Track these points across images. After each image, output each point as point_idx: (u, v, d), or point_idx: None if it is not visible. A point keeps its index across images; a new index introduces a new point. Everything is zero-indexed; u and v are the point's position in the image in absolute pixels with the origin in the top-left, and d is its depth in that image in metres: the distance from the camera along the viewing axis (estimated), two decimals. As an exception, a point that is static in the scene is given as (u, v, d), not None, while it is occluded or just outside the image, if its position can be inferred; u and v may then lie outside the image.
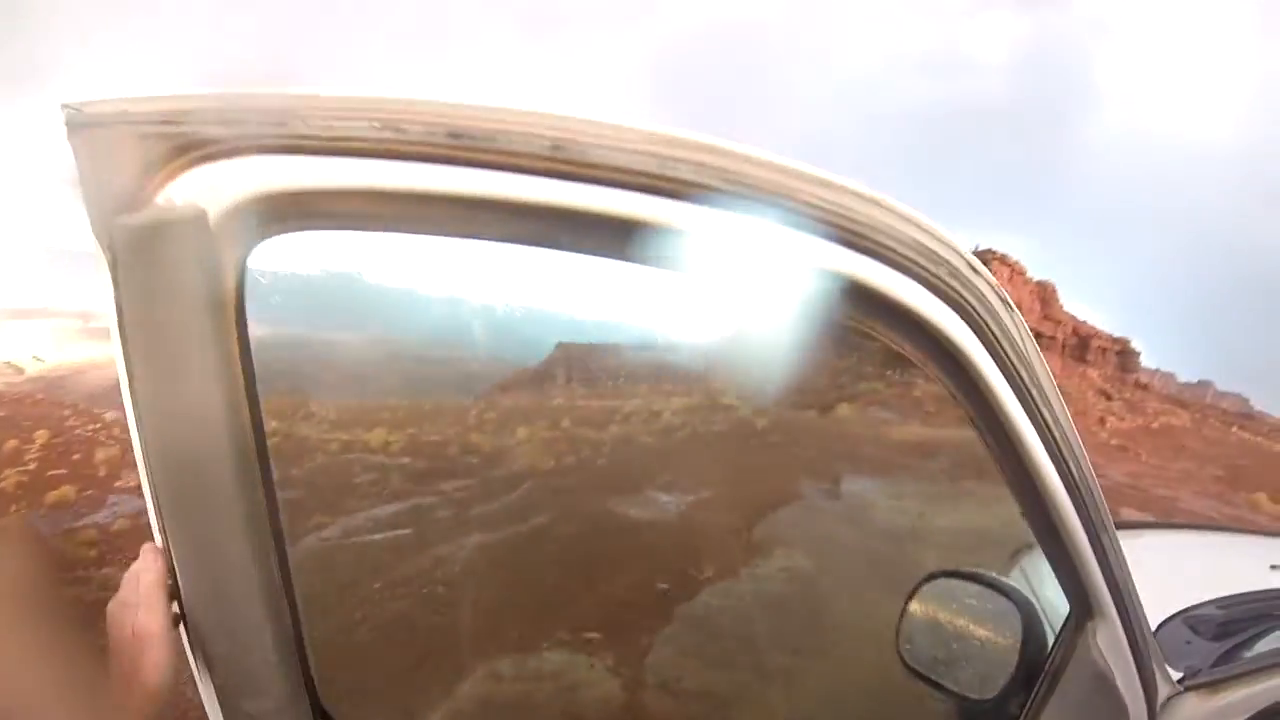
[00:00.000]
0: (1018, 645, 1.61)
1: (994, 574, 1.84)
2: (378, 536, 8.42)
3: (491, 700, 5.48)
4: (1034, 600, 1.69)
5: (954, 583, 1.79)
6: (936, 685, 1.85)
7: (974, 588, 1.75)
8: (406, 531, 8.98)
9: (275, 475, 1.46)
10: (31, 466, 23.71)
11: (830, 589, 7.27)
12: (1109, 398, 60.79)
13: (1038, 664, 1.63)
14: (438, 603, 6.94)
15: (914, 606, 1.81)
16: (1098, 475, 1.56)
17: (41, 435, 26.37)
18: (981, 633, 1.69)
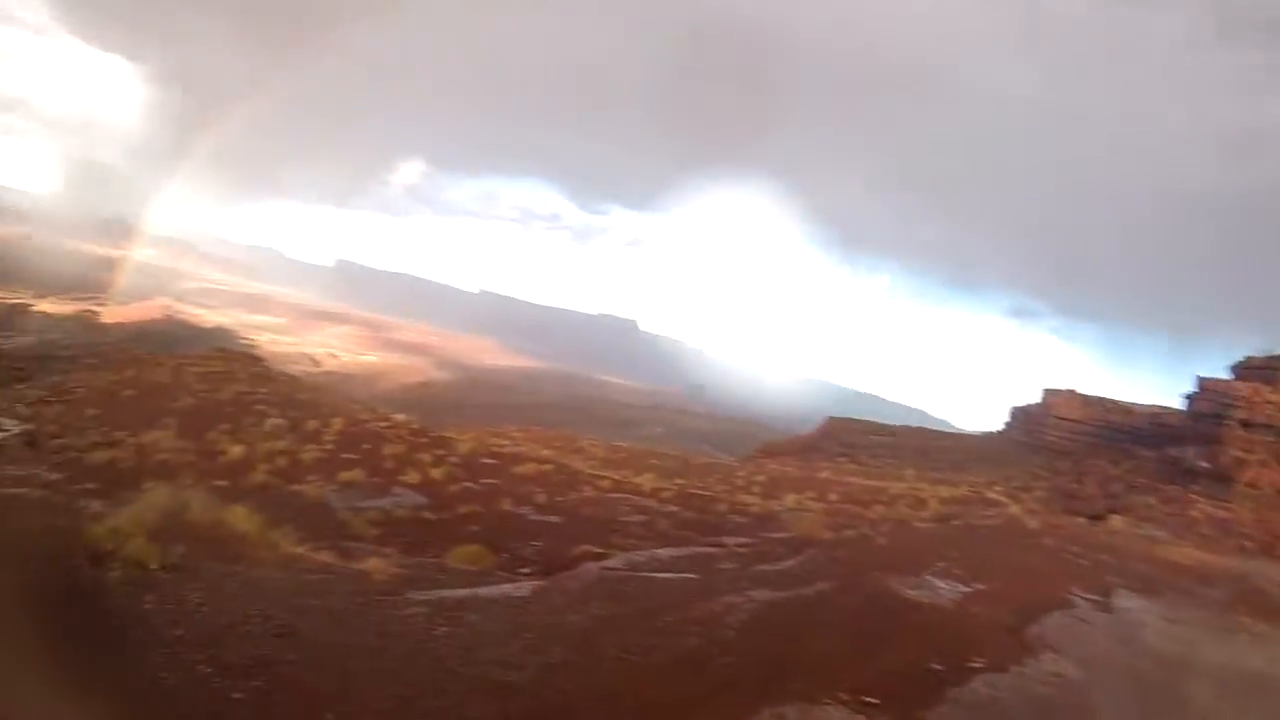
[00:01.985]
0: None
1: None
2: (658, 575, 8.83)
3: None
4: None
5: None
6: None
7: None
8: (690, 575, 9.30)
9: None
10: (329, 447, 26.33)
11: (1097, 704, 6.94)
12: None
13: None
14: (720, 644, 7.19)
15: None
16: None
17: (337, 422, 29.23)
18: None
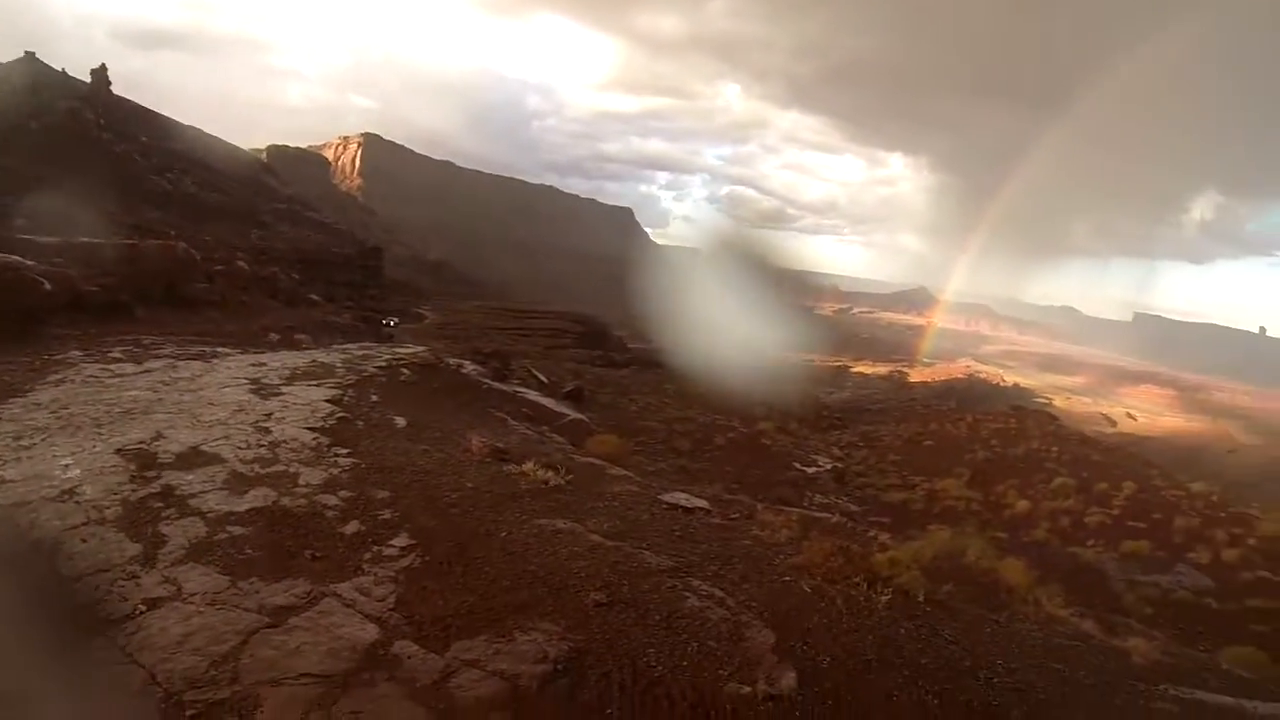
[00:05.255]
0: None
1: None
2: None
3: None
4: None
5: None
6: None
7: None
8: None
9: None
10: (1115, 512, 24.81)
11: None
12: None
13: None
14: None
15: None
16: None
17: (1128, 487, 27.30)
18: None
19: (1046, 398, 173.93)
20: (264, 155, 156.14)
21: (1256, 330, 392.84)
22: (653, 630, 6.15)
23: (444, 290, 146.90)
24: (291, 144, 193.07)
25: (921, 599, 7.73)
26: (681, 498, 10.35)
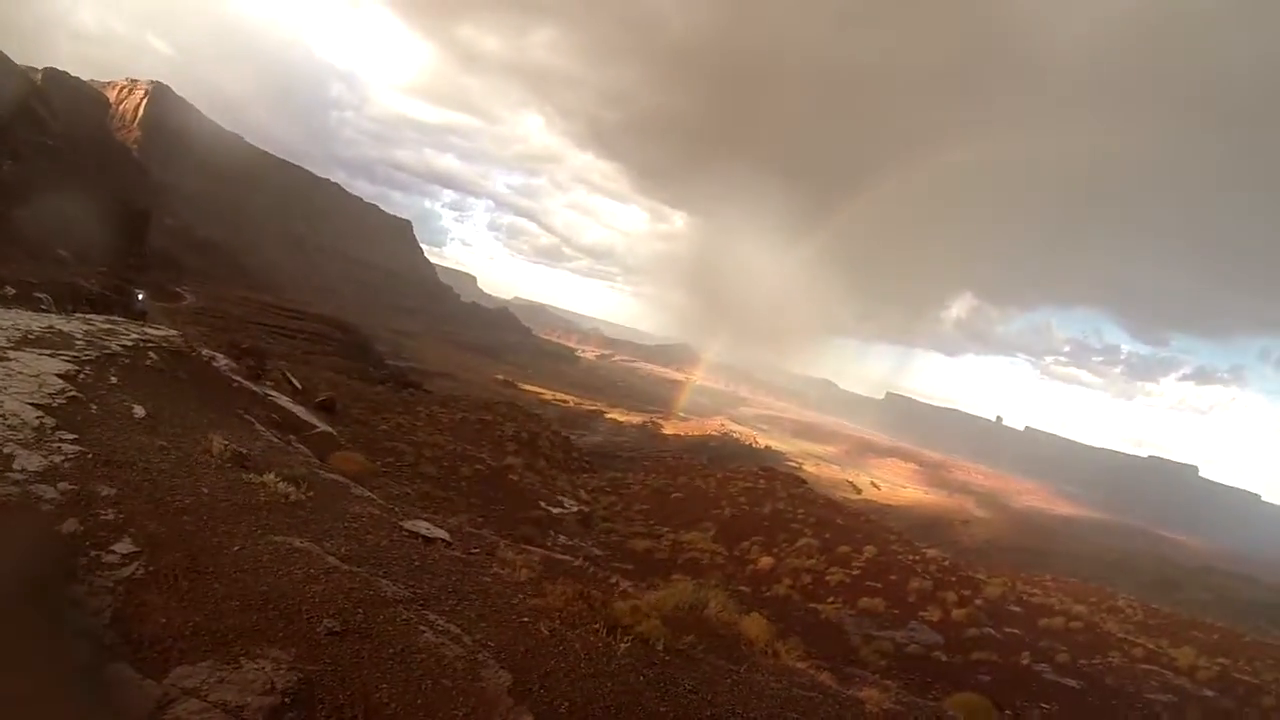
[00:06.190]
0: None
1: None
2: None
3: None
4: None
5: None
6: None
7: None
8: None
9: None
10: (855, 572, 26.40)
11: None
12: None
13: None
14: None
15: None
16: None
17: (869, 550, 29.21)
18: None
19: (797, 462, 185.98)
20: (39, 78, 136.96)
21: (994, 419, 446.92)
22: (387, 664, 5.91)
23: (209, 272, 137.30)
24: (73, 72, 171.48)
25: (661, 648, 7.72)
26: (423, 526, 9.96)
